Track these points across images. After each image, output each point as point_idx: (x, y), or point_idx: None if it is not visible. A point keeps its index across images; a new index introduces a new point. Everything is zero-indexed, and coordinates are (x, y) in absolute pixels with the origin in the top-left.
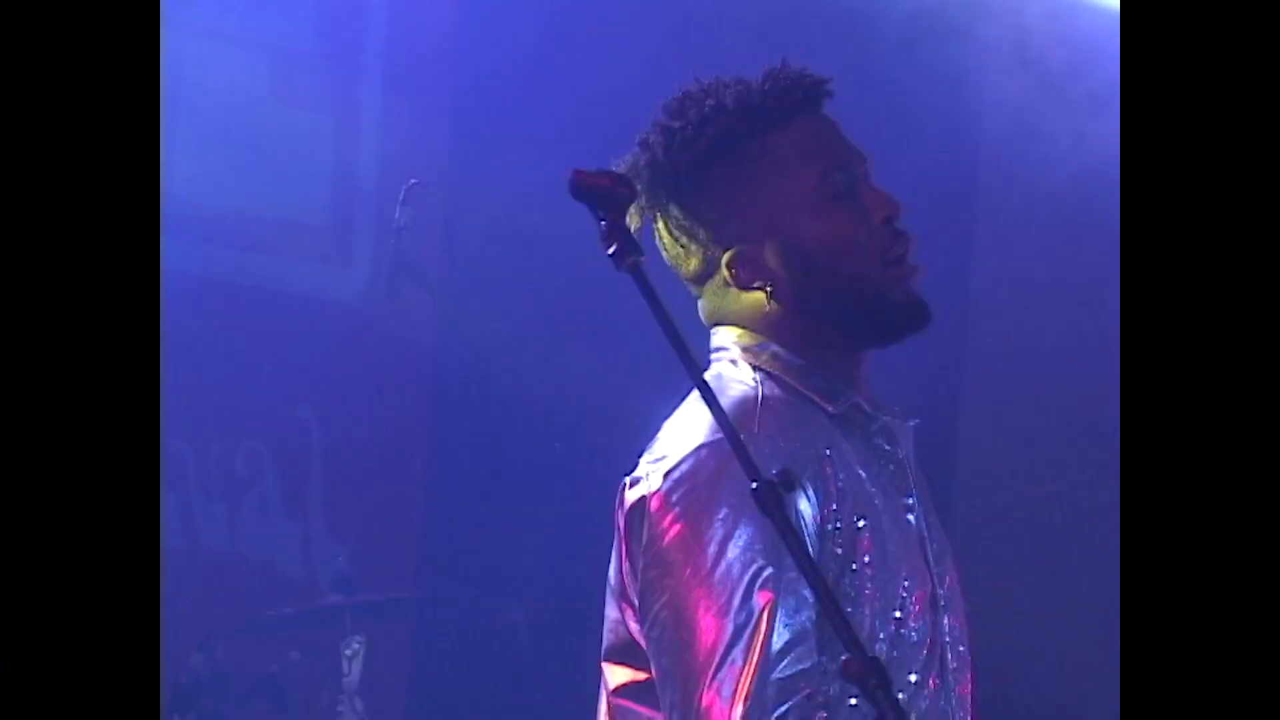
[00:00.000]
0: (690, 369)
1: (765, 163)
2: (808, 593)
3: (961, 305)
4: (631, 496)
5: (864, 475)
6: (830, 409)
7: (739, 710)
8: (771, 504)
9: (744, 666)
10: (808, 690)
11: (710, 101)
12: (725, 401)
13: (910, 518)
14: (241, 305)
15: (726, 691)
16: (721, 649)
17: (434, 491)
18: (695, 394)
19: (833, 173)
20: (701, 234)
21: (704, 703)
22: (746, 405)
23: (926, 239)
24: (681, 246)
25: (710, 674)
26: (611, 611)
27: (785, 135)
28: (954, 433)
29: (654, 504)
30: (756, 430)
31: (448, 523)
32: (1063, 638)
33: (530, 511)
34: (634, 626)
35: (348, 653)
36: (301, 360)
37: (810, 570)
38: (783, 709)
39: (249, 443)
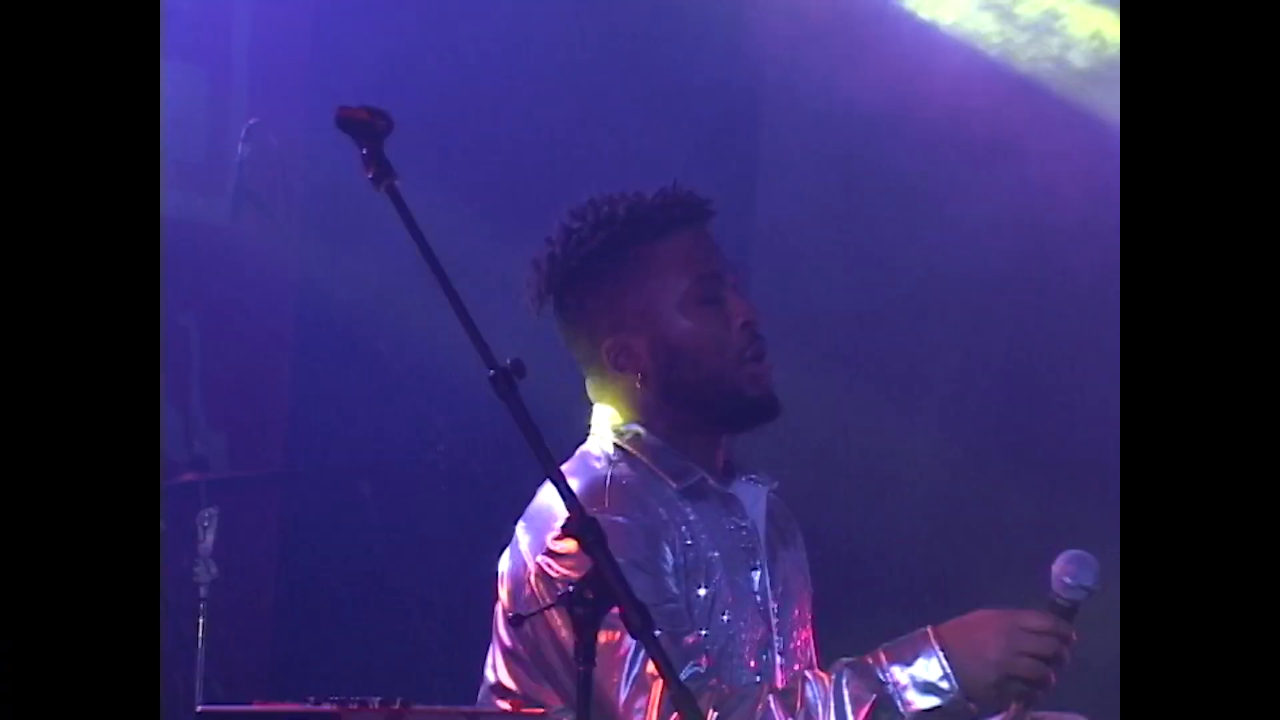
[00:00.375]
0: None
1: (645, 266)
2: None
3: (749, 222)
4: (504, 566)
5: (707, 540)
6: (675, 485)
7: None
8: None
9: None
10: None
11: (606, 209)
12: (582, 480)
13: (755, 576)
14: None
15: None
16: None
17: (298, 384)
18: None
19: (703, 280)
20: (586, 322)
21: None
22: (596, 486)
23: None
24: (571, 332)
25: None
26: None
27: (665, 244)
28: None
29: (530, 579)
30: (606, 506)
31: (312, 408)
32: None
33: (383, 402)
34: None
35: (204, 523)
36: (182, 276)
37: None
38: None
39: None
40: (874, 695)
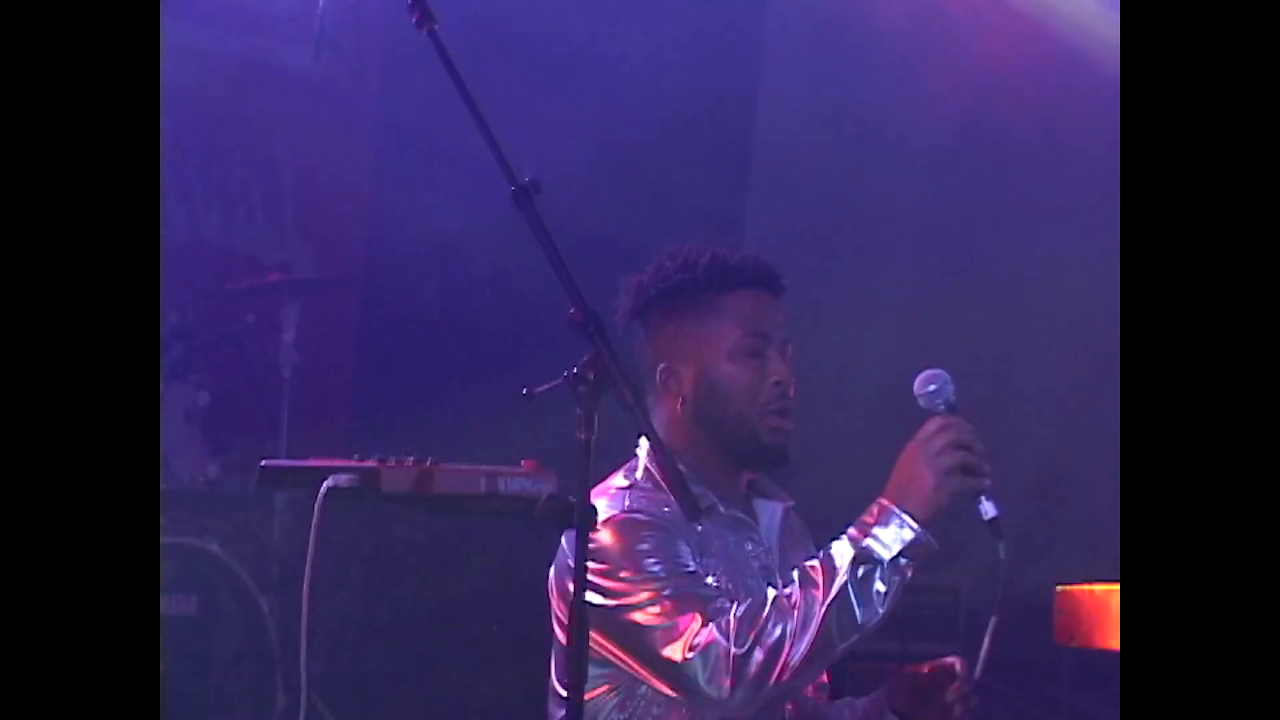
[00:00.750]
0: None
1: (710, 311)
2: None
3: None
4: (552, 574)
5: (715, 560)
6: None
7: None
8: None
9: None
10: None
11: (694, 256)
12: (611, 489)
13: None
14: (233, 73)
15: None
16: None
17: (379, 199)
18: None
19: (753, 336)
20: (652, 344)
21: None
22: (619, 493)
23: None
24: (642, 348)
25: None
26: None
27: (733, 297)
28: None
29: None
30: (628, 506)
31: (391, 219)
32: None
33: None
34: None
35: (287, 318)
36: (276, 110)
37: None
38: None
39: (239, 170)
40: (853, 552)
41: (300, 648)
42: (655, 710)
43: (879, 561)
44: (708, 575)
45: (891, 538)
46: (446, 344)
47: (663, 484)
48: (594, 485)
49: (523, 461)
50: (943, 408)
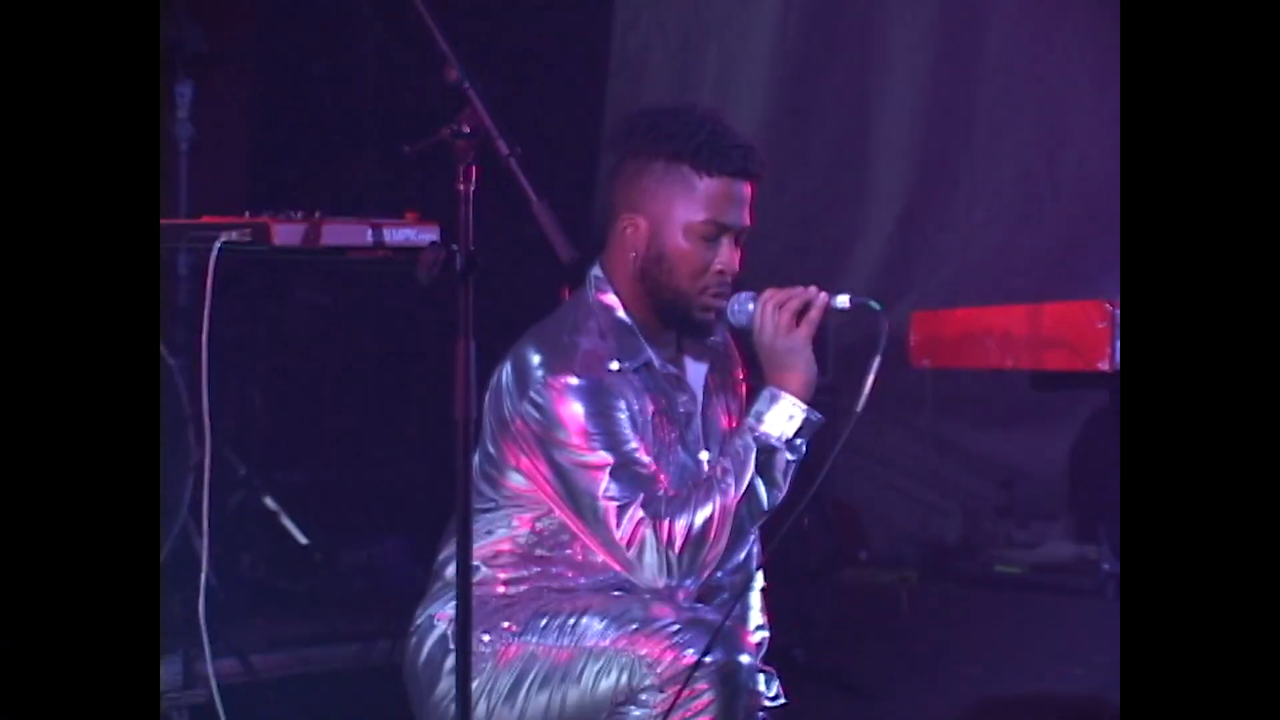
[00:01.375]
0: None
1: (685, 186)
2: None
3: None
4: (489, 400)
5: (650, 408)
6: (628, 365)
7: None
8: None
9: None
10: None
11: (694, 128)
12: (552, 344)
13: (689, 438)
14: None
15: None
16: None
17: None
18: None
19: (713, 224)
20: (624, 188)
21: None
22: (564, 350)
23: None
24: (612, 186)
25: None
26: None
27: (709, 181)
28: None
29: (542, 406)
30: (574, 369)
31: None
32: None
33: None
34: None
35: (180, 94)
36: None
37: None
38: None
39: None
40: (754, 445)
41: (202, 402)
42: (566, 537)
43: (776, 448)
44: (640, 440)
45: (784, 423)
46: (335, 113)
47: (615, 333)
48: (536, 328)
49: (406, 213)
50: (752, 306)
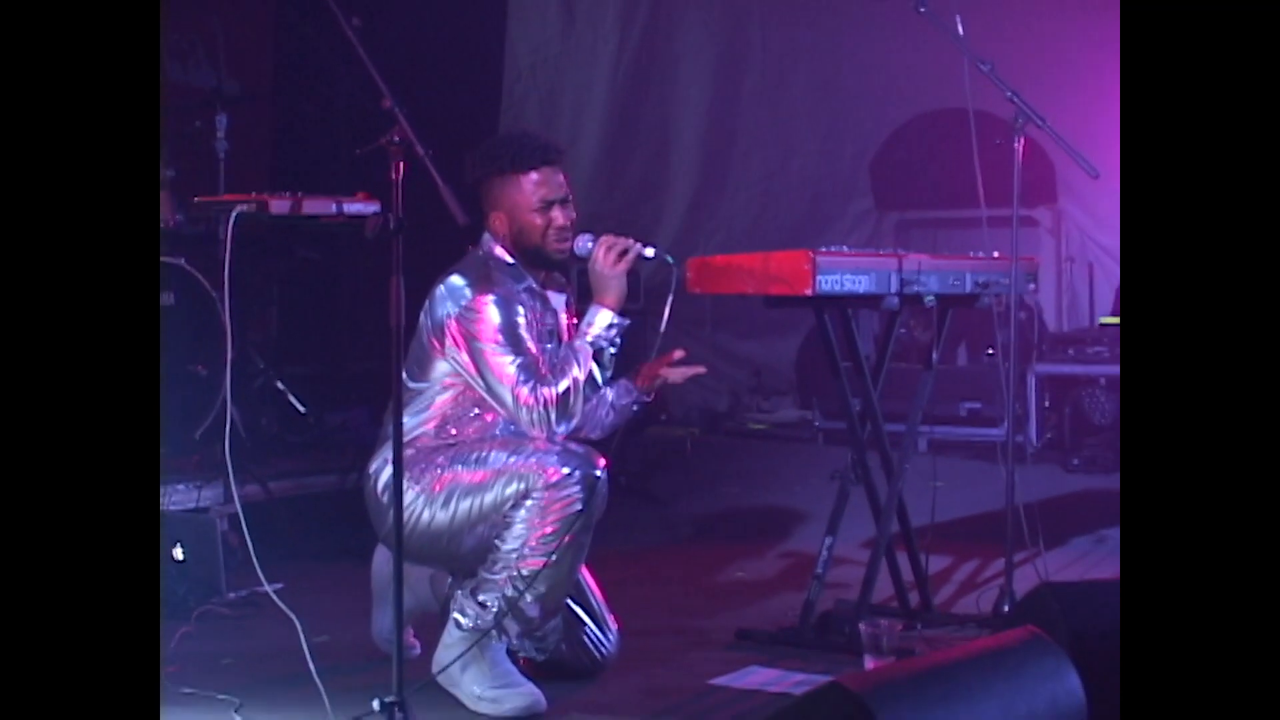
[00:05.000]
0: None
1: (517, 184)
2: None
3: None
4: (425, 316)
5: (532, 317)
6: (517, 286)
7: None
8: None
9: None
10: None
11: (506, 146)
12: (475, 268)
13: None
14: None
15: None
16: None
17: (281, 50)
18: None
19: (545, 200)
20: (488, 197)
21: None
22: (483, 272)
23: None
24: (482, 195)
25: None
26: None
27: (527, 176)
28: None
29: (469, 315)
30: (491, 285)
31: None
32: None
33: None
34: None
35: (221, 121)
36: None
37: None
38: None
39: (187, 36)
40: (589, 348)
41: (225, 315)
42: (476, 410)
43: (602, 347)
44: (530, 336)
45: (603, 328)
46: (317, 130)
47: (506, 270)
48: (456, 266)
49: (358, 193)
50: (591, 245)
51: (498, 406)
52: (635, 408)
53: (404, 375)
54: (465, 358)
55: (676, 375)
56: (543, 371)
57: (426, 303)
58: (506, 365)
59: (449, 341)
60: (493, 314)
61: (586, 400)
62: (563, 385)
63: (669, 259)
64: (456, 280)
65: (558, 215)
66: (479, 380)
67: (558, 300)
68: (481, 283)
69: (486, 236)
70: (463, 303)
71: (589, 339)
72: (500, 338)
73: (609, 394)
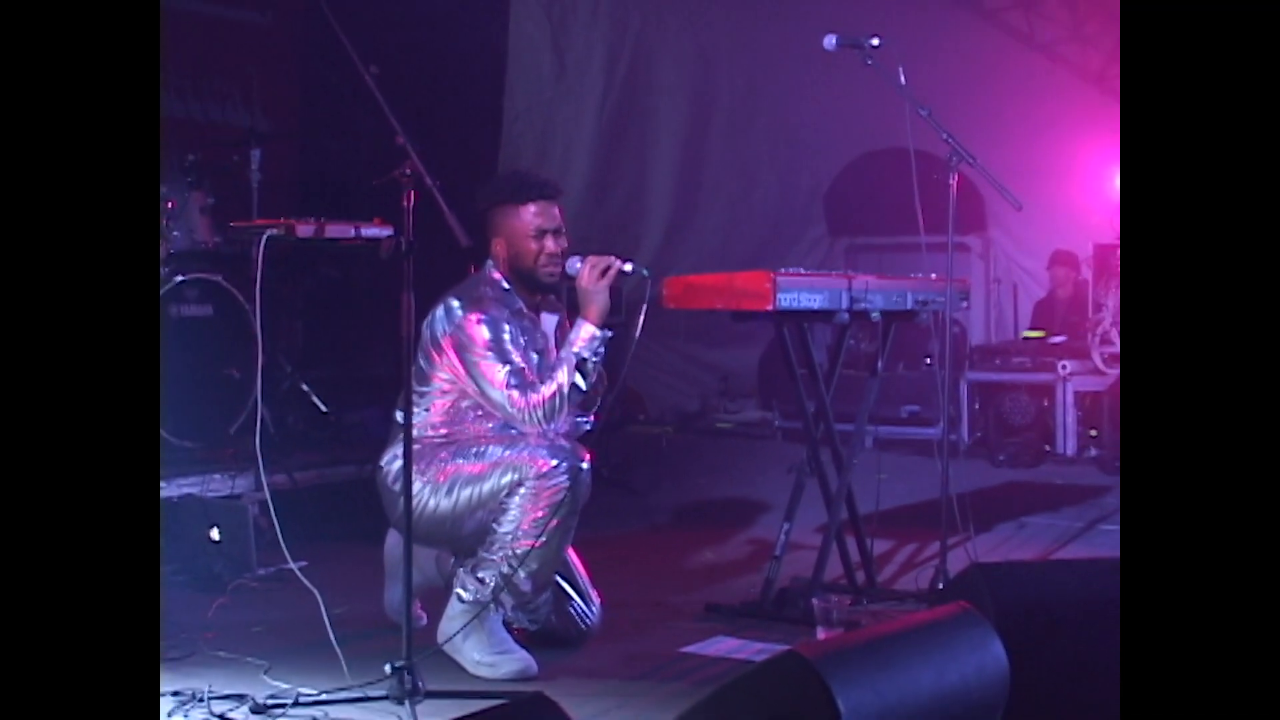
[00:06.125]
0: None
1: (516, 214)
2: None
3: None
4: (428, 329)
5: (525, 341)
6: (509, 311)
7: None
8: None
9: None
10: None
11: (510, 181)
12: (471, 293)
13: (535, 356)
14: (214, 28)
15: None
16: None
17: (307, 95)
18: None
19: (539, 229)
20: (491, 226)
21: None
22: (479, 297)
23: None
24: (487, 225)
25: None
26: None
27: (530, 206)
28: None
29: (461, 332)
30: (484, 308)
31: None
32: None
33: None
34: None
35: (254, 155)
36: (247, 50)
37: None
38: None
39: (227, 81)
40: (574, 360)
41: (256, 325)
42: (475, 413)
43: (585, 359)
44: (517, 351)
45: (588, 339)
46: (338, 163)
47: (501, 296)
48: (455, 289)
49: (374, 219)
50: (579, 264)
51: (493, 409)
52: (595, 363)
53: (412, 379)
54: (461, 369)
55: (593, 265)
56: (530, 379)
57: (428, 318)
58: (498, 373)
59: (446, 354)
60: (481, 331)
61: (571, 404)
62: (548, 390)
63: (645, 273)
64: (453, 302)
65: (550, 243)
66: (474, 386)
67: (550, 321)
68: (473, 305)
69: (489, 262)
70: (456, 320)
71: (574, 350)
72: (490, 351)
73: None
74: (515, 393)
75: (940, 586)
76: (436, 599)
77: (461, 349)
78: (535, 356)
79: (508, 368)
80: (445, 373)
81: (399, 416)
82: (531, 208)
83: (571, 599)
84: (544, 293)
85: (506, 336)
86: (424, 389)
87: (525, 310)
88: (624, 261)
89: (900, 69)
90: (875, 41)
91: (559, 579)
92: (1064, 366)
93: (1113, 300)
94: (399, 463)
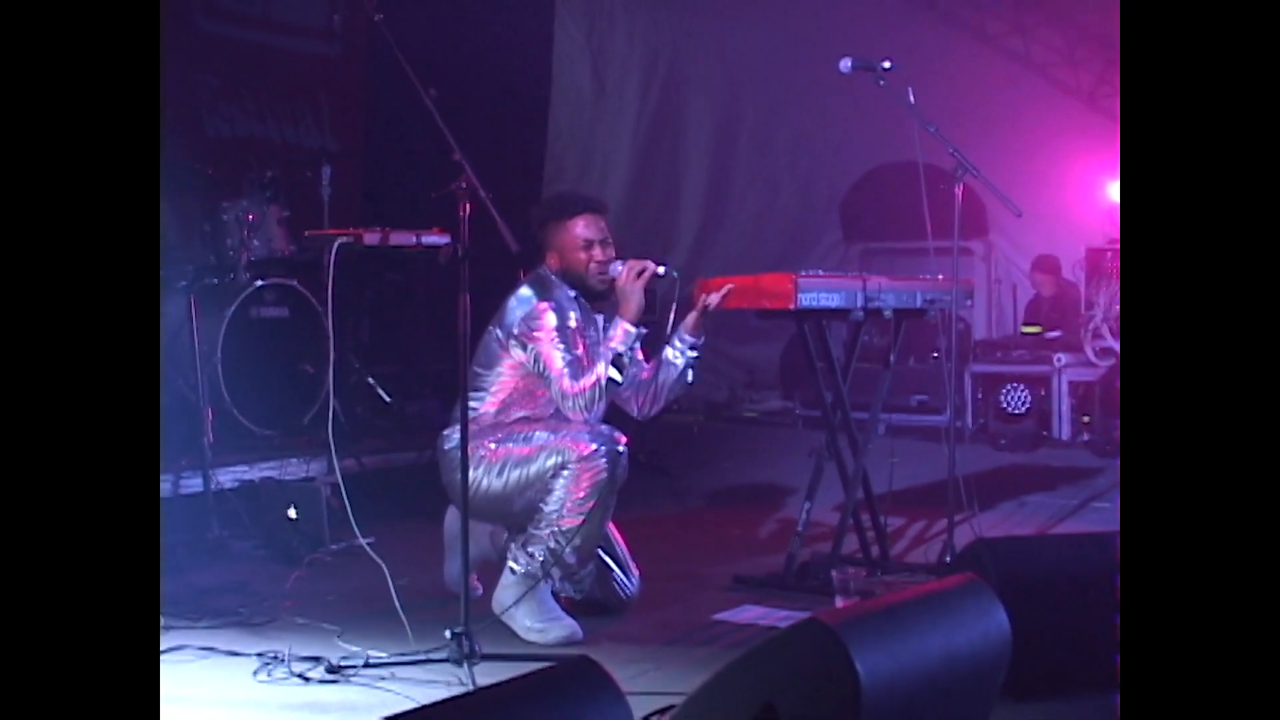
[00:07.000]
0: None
1: (567, 227)
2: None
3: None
4: (499, 322)
5: (579, 322)
6: (571, 294)
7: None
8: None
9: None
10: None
11: (560, 197)
12: (540, 285)
13: (594, 335)
14: (275, 57)
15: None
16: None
17: (371, 119)
18: (531, 281)
19: (587, 240)
20: (545, 239)
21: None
22: (547, 286)
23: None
24: (540, 238)
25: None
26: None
27: (579, 219)
28: None
29: (532, 317)
30: (549, 296)
31: (379, 124)
32: None
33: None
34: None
35: (325, 172)
36: (314, 78)
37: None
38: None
39: (299, 103)
40: (612, 356)
41: (328, 325)
42: (525, 398)
43: (620, 354)
44: (577, 338)
45: (623, 335)
46: (401, 176)
47: (564, 285)
48: (519, 285)
49: (434, 228)
50: (620, 267)
51: (549, 389)
52: (693, 356)
53: (474, 366)
54: (528, 352)
55: (714, 300)
56: (585, 365)
57: (500, 311)
58: (557, 360)
59: (516, 338)
60: (550, 318)
61: (608, 396)
62: (588, 381)
63: (675, 274)
64: (525, 291)
65: (597, 252)
66: (536, 367)
67: (600, 319)
68: (543, 293)
69: (545, 266)
70: (529, 308)
71: (611, 345)
72: (555, 336)
73: (658, 374)
74: (567, 380)
75: (948, 559)
76: (491, 571)
77: (528, 334)
78: (594, 335)
79: (568, 356)
80: (509, 359)
81: (472, 403)
82: (580, 221)
83: (613, 571)
84: (593, 300)
85: (572, 324)
86: (487, 372)
87: (584, 300)
88: (659, 264)
89: (909, 89)
90: (887, 64)
91: (601, 553)
92: (1059, 359)
93: (1104, 298)
94: (455, 445)
